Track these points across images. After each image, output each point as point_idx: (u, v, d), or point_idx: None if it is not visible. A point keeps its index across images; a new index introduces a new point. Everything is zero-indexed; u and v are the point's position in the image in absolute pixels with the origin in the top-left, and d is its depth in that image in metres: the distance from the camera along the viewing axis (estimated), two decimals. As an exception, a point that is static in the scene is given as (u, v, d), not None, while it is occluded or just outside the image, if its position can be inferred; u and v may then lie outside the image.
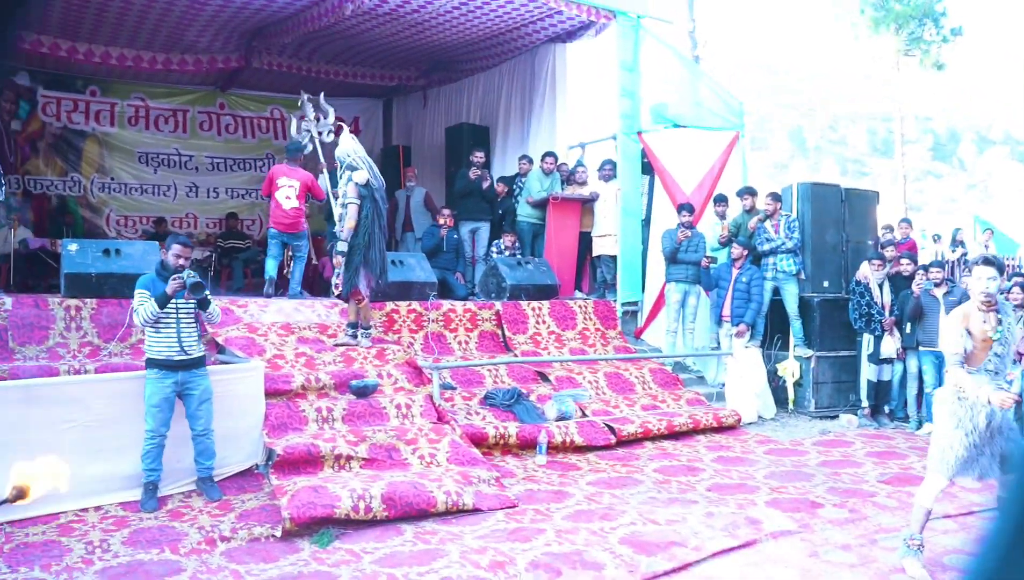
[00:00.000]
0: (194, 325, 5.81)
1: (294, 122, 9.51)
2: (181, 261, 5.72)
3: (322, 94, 9.42)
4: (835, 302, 9.59)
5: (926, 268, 8.92)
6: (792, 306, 9.45)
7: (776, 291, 9.60)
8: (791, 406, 9.36)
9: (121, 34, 11.28)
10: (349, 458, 5.98)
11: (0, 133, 11.55)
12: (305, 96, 9.36)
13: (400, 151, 13.46)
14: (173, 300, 5.63)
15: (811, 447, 7.72)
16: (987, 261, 4.49)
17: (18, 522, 5.18)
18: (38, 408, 5.48)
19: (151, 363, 5.67)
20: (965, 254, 12.27)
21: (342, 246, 7.34)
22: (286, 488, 5.42)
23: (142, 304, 5.59)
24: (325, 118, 9.34)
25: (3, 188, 8.33)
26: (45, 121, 12.76)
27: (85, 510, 5.42)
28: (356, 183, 7.38)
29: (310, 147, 9.27)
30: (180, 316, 5.71)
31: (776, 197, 9.67)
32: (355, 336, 7.60)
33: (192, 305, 5.78)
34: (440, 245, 10.26)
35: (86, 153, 13.06)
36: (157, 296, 5.57)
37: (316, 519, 5.07)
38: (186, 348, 5.69)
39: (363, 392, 6.83)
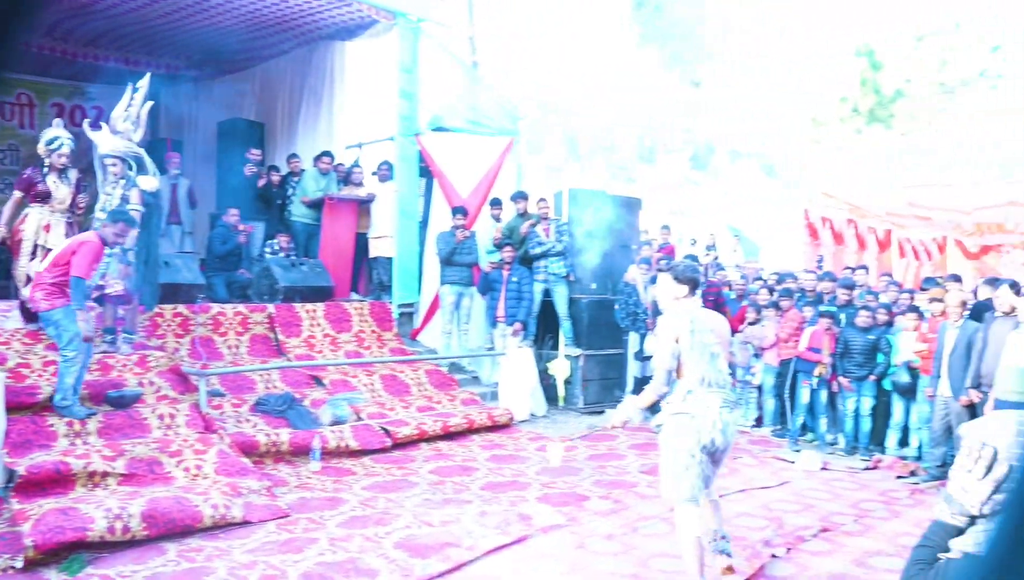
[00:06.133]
0: None
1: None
2: None
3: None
4: (602, 303, 10.06)
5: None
6: (562, 307, 9.85)
7: (547, 293, 9.96)
8: (561, 403, 9.75)
9: None
10: (105, 474, 5.55)
11: None
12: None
13: (168, 144, 12.69)
14: None
15: (579, 442, 8.05)
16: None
17: None
18: None
19: None
20: (717, 258, 13.30)
21: (131, 256, 6.85)
22: (29, 512, 4.95)
23: None
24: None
25: None
26: None
27: None
28: (143, 190, 6.89)
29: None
30: None
31: (547, 202, 10.05)
32: (114, 342, 7.09)
33: None
34: (234, 249, 9.79)
35: None
36: None
37: (65, 544, 4.67)
38: None
39: (122, 402, 6.38)
